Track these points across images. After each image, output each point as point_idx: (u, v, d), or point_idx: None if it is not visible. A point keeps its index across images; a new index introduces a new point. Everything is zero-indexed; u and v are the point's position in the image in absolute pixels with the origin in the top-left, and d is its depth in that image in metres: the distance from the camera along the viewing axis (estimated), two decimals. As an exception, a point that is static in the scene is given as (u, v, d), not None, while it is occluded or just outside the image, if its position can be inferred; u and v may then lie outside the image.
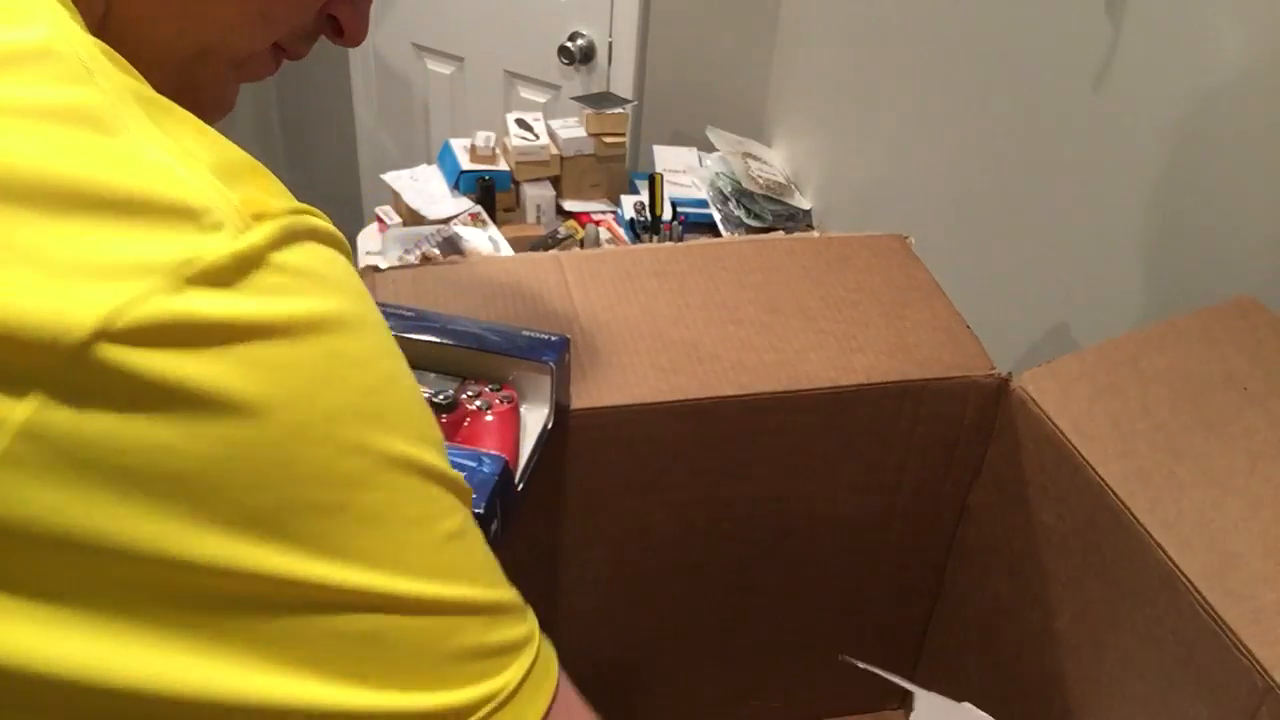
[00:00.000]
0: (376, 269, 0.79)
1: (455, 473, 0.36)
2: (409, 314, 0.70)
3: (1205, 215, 1.09)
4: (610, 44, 2.03)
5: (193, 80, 0.42)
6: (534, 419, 0.67)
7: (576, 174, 1.81)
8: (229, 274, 0.30)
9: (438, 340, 0.68)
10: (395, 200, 1.77)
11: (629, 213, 1.76)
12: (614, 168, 1.83)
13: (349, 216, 2.78)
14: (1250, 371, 0.72)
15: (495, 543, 0.65)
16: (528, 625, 0.39)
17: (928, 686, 0.92)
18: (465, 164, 1.76)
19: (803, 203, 1.80)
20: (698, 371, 0.73)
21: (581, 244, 1.70)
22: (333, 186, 2.87)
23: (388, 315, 0.69)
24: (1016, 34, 1.31)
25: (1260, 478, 0.65)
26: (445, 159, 1.81)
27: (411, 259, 1.55)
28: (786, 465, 0.77)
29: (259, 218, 0.31)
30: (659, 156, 1.91)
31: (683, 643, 0.86)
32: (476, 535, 0.37)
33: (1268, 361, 0.73)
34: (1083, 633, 0.72)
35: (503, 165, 1.77)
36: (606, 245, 1.71)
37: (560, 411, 0.68)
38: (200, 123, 0.34)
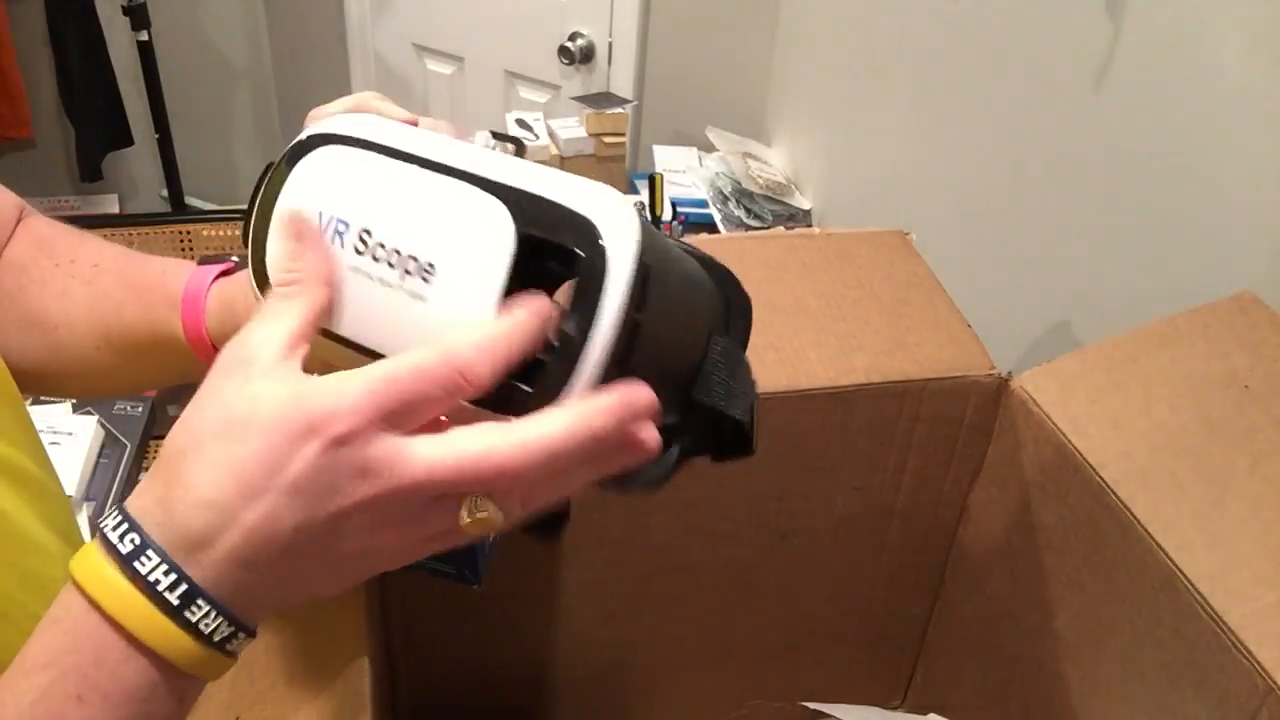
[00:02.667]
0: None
1: None
2: None
3: (1205, 214, 1.08)
4: (610, 44, 2.03)
5: None
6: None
7: (576, 174, 1.81)
8: None
9: None
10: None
11: (629, 213, 1.76)
12: (614, 168, 1.83)
13: (349, 217, 2.78)
14: (1251, 369, 0.72)
15: (495, 544, 0.65)
16: None
17: (927, 686, 0.92)
18: (465, 164, 1.76)
19: (803, 203, 1.79)
20: (697, 371, 0.72)
21: (581, 244, 1.69)
22: (333, 187, 2.87)
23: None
24: (1017, 34, 1.31)
25: (1260, 477, 0.65)
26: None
27: (411, 259, 1.54)
28: (786, 465, 0.77)
29: None
30: (659, 156, 1.91)
31: (683, 642, 0.86)
32: None
33: (1269, 359, 0.73)
34: (1083, 633, 0.71)
35: (503, 165, 1.77)
36: (606, 245, 1.71)
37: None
38: None
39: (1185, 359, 0.73)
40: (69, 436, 1.24)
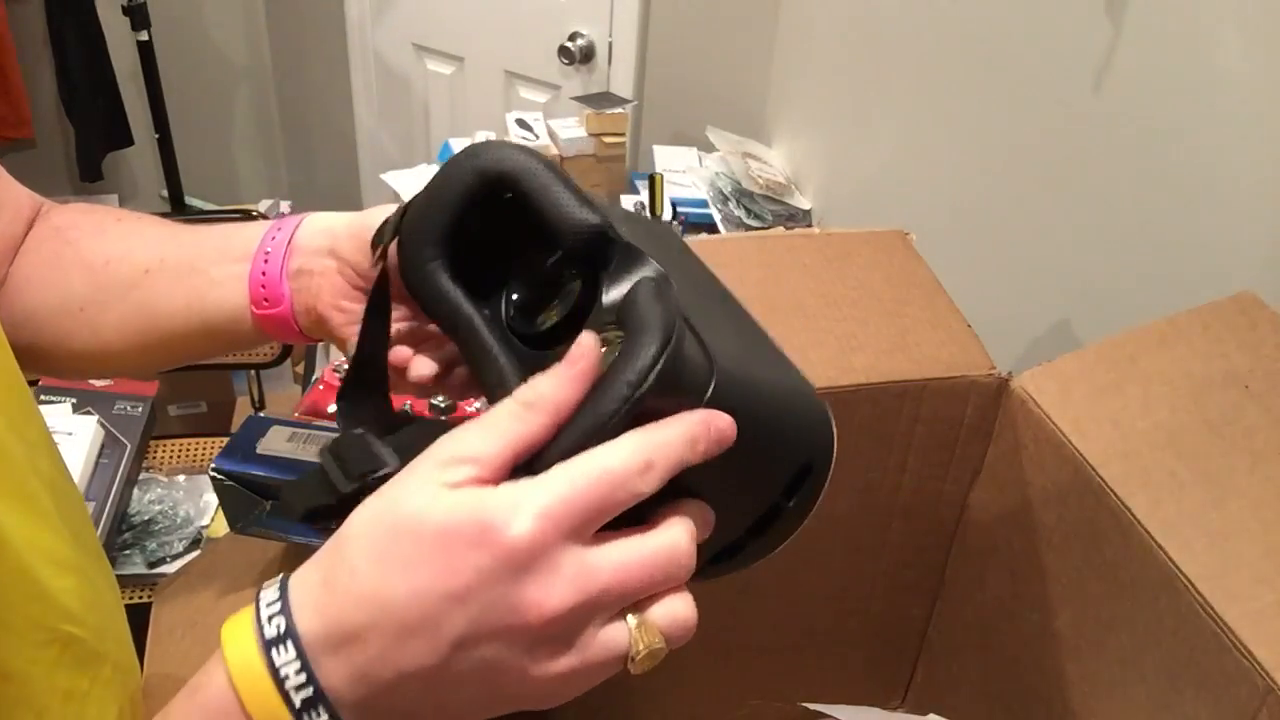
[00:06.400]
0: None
1: None
2: None
3: (1205, 214, 1.08)
4: (610, 44, 2.03)
5: None
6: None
7: (576, 174, 1.80)
8: None
9: None
10: (395, 200, 1.77)
11: (629, 213, 1.76)
12: (614, 168, 1.83)
13: (349, 217, 2.78)
14: (1251, 369, 0.72)
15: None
16: None
17: (927, 686, 0.92)
18: (465, 164, 1.75)
19: (803, 203, 1.79)
20: (697, 371, 0.72)
21: (581, 244, 1.69)
22: (333, 186, 2.87)
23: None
24: (1017, 34, 1.31)
25: (1260, 477, 0.65)
26: (445, 159, 1.81)
27: (411, 259, 1.54)
28: (786, 465, 0.77)
29: None
30: (659, 156, 1.91)
31: (682, 643, 0.86)
32: None
33: (1269, 359, 0.73)
34: (1083, 633, 0.71)
35: (503, 165, 1.77)
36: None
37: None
38: None
39: (1185, 359, 0.73)
40: (69, 437, 1.24)
